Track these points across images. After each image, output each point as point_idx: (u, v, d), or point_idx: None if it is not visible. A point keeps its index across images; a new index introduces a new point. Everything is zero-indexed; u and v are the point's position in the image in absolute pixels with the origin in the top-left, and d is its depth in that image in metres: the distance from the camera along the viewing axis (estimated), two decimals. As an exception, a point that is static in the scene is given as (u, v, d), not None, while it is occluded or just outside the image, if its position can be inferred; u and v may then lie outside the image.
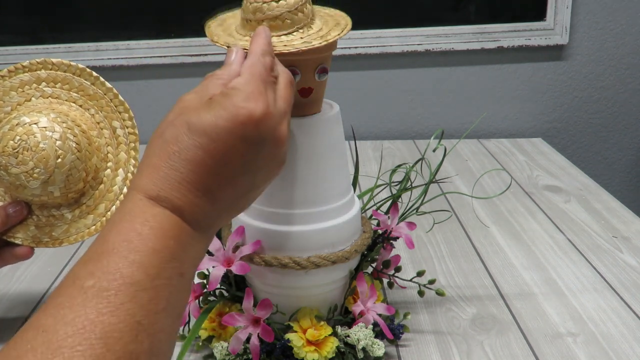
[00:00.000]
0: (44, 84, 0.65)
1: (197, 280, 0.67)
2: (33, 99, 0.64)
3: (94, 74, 0.64)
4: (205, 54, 1.39)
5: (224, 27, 0.58)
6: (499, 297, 0.78)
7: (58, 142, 0.59)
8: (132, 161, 0.63)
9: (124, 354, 0.34)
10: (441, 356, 0.67)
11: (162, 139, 0.42)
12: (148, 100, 1.45)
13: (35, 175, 0.59)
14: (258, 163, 0.45)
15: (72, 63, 0.64)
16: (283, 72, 0.49)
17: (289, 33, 0.54)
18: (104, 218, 0.62)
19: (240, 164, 0.43)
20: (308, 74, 0.58)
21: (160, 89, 1.44)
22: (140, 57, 1.40)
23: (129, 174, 0.62)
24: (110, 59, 1.39)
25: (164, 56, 1.39)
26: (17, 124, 0.59)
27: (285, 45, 0.53)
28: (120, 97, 0.63)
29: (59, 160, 0.59)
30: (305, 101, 0.59)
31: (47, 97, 0.64)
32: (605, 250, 0.89)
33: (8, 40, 1.38)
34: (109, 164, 0.63)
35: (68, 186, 0.61)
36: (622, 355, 0.66)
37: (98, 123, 0.64)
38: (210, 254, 0.62)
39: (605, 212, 1.02)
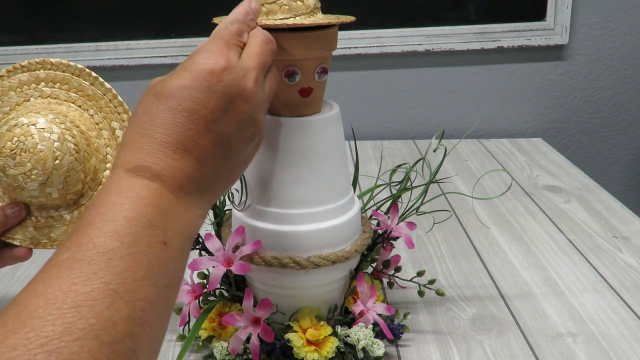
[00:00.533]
0: (42, 84, 0.64)
1: (197, 280, 0.67)
2: (32, 99, 0.64)
3: (93, 74, 0.64)
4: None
5: None
6: (499, 297, 0.78)
7: (56, 144, 0.59)
8: None
9: (98, 320, 0.33)
10: (441, 356, 0.67)
11: (135, 115, 0.43)
12: (148, 100, 1.45)
13: (33, 176, 0.59)
14: (230, 119, 0.44)
15: (71, 63, 0.64)
16: (258, 34, 0.49)
17: (285, 19, 0.55)
18: None
19: (212, 119, 0.43)
20: (308, 74, 0.58)
21: (160, 89, 1.44)
22: (140, 57, 1.40)
23: None
24: (110, 59, 1.39)
25: (164, 56, 1.39)
26: (14, 125, 0.59)
27: (274, 22, 0.54)
28: (120, 98, 0.63)
29: (57, 161, 0.59)
30: (305, 101, 0.59)
31: (46, 98, 0.64)
32: (605, 250, 0.89)
33: (8, 40, 1.38)
34: (108, 165, 0.63)
35: (66, 187, 0.61)
36: (622, 355, 0.66)
37: (97, 124, 0.63)
38: (210, 254, 0.62)
39: (605, 212, 1.02)
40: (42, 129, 0.59)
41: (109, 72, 1.41)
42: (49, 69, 0.64)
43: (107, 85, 0.64)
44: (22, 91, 0.64)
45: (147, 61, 1.40)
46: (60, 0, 1.35)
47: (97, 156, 0.63)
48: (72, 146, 0.60)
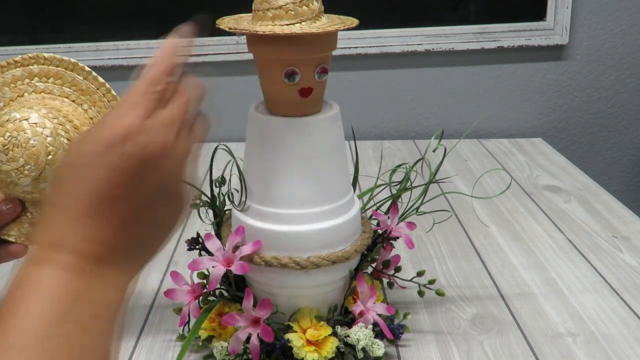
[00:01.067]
0: (36, 79, 0.64)
1: (197, 280, 0.67)
2: (25, 94, 0.63)
3: (87, 68, 0.63)
4: (206, 54, 1.38)
5: (238, 20, 0.60)
6: (499, 297, 0.78)
7: (49, 139, 0.58)
8: None
9: None
10: (441, 356, 0.67)
11: (53, 184, 0.42)
12: (148, 100, 1.45)
13: (25, 172, 0.58)
14: (148, 182, 0.41)
15: (65, 58, 0.63)
16: (183, 93, 0.45)
17: (291, 24, 0.55)
18: None
19: (128, 184, 0.40)
20: (308, 74, 0.58)
21: (160, 89, 1.44)
22: (140, 57, 1.39)
23: None
24: (110, 59, 1.39)
25: (164, 56, 1.39)
26: (7, 120, 0.59)
27: (282, 29, 0.55)
28: (113, 92, 0.62)
29: (50, 156, 0.58)
30: (305, 101, 0.59)
31: (40, 93, 0.63)
32: (605, 250, 0.89)
33: (8, 40, 1.38)
34: None
35: None
36: (622, 355, 0.66)
37: (91, 118, 0.63)
38: (210, 254, 0.62)
39: (605, 212, 1.02)
40: (35, 123, 0.58)
41: (109, 72, 1.41)
42: (42, 64, 0.63)
43: (101, 79, 0.63)
44: (15, 86, 0.64)
45: (147, 61, 1.40)
46: (60, 0, 1.35)
47: None
48: (65, 141, 0.59)
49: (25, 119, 0.59)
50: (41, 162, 0.58)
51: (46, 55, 0.64)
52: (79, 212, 0.39)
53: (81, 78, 0.63)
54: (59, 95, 0.63)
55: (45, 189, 0.60)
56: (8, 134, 0.58)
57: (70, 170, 0.40)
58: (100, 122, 0.41)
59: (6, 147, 0.58)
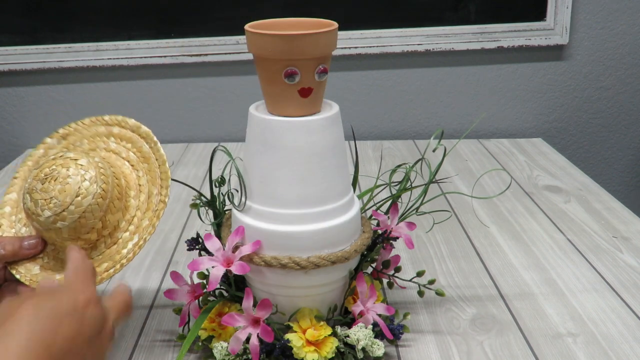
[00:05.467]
0: (112, 139, 0.68)
1: (196, 280, 0.67)
2: (98, 149, 0.67)
3: (154, 138, 0.67)
4: (206, 54, 1.38)
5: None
6: (499, 297, 0.78)
7: (85, 182, 0.59)
8: (150, 229, 0.62)
9: None
10: (441, 356, 0.67)
11: (11, 339, 0.44)
12: (148, 100, 1.45)
13: (50, 205, 0.59)
14: (93, 350, 0.48)
15: (142, 126, 0.67)
16: (124, 291, 0.55)
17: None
18: (103, 277, 0.61)
19: (83, 346, 0.46)
20: (308, 74, 0.58)
21: (160, 89, 1.44)
22: (140, 57, 1.40)
23: (142, 241, 0.62)
24: (110, 59, 1.39)
25: (164, 56, 1.39)
26: (61, 156, 0.61)
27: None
28: (167, 165, 0.65)
29: (78, 198, 0.59)
30: (305, 101, 0.59)
31: (109, 151, 0.67)
32: (605, 250, 0.89)
33: (8, 40, 1.38)
34: (131, 227, 0.63)
35: (79, 230, 0.60)
36: (622, 355, 0.66)
37: (140, 185, 0.65)
38: (210, 254, 0.62)
39: (605, 212, 1.02)
40: (81, 165, 0.60)
41: (109, 72, 1.41)
42: (123, 127, 0.68)
43: (162, 151, 0.66)
44: (93, 141, 0.67)
45: (147, 61, 1.40)
46: (60, 0, 1.35)
47: (124, 213, 0.63)
48: (100, 191, 0.60)
49: (75, 160, 0.61)
50: (67, 201, 0.59)
51: (130, 121, 0.68)
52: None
53: (148, 147, 0.66)
54: (123, 157, 0.66)
55: (62, 230, 0.60)
56: (54, 167, 0.60)
57: (33, 333, 0.44)
58: (64, 292, 0.49)
59: (46, 177, 0.60)
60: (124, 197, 0.63)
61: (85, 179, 0.59)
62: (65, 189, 0.59)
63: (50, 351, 0.44)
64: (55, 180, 0.59)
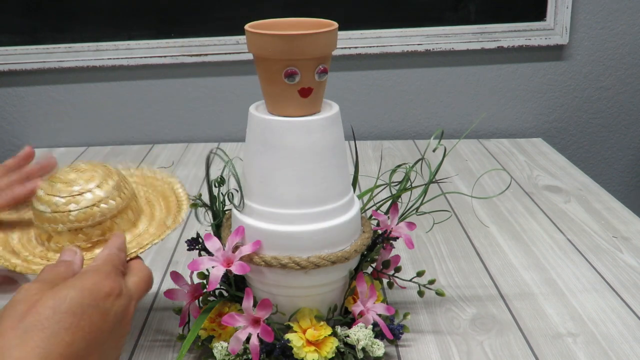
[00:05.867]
0: (144, 187, 0.69)
1: (196, 280, 0.67)
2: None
3: (177, 185, 0.69)
4: (206, 54, 1.38)
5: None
6: (499, 297, 0.78)
7: (88, 194, 0.59)
8: (150, 241, 0.62)
9: None
10: (441, 356, 0.67)
11: (31, 327, 0.44)
12: (148, 100, 1.45)
13: (51, 200, 0.59)
14: (113, 340, 0.49)
15: (173, 180, 0.69)
16: (143, 269, 0.56)
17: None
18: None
19: (102, 339, 0.47)
20: (308, 74, 0.58)
21: (160, 89, 1.44)
22: (140, 57, 1.40)
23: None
24: (110, 59, 1.39)
25: (164, 56, 1.39)
26: (79, 170, 0.61)
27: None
28: (183, 215, 0.65)
29: (72, 205, 0.58)
30: (305, 101, 0.59)
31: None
32: (605, 250, 0.89)
33: (8, 40, 1.38)
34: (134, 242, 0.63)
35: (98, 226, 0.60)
36: (622, 355, 0.66)
37: (153, 214, 0.66)
38: (210, 254, 0.62)
39: (605, 212, 1.02)
40: (99, 184, 0.60)
41: (109, 72, 1.41)
42: (158, 178, 0.70)
43: (182, 193, 0.68)
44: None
45: (147, 61, 1.40)
46: (60, 0, 1.35)
47: (131, 227, 0.63)
48: (97, 209, 0.59)
49: (95, 172, 0.61)
50: (64, 202, 0.58)
51: (170, 179, 0.70)
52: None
53: (174, 197, 0.67)
54: (145, 197, 0.68)
55: (46, 229, 0.60)
56: (73, 174, 0.60)
57: (54, 315, 0.44)
58: (84, 278, 0.48)
59: (61, 183, 0.60)
60: (136, 213, 0.63)
61: (94, 189, 0.59)
62: (71, 191, 0.59)
63: (70, 350, 0.43)
64: (64, 184, 0.59)
